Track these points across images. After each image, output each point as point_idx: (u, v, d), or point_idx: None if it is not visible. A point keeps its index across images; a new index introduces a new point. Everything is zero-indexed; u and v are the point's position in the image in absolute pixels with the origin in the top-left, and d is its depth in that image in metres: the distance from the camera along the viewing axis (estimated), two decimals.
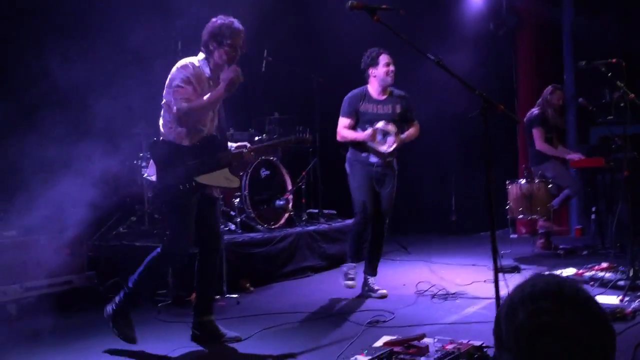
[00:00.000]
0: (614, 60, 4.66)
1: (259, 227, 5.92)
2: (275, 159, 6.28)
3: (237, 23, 3.68)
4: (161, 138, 3.70)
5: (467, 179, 8.10)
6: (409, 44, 2.99)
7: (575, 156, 6.59)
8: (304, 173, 6.58)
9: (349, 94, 4.97)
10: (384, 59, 4.84)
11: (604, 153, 6.34)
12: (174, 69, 3.65)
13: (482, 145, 2.90)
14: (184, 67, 3.62)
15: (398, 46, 4.64)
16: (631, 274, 4.54)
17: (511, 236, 7.50)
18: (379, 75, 4.85)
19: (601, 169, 6.47)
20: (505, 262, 5.94)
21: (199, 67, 3.65)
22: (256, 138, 6.31)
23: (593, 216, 6.67)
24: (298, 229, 6.17)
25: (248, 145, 3.88)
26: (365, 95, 4.90)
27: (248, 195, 5.89)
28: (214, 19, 3.68)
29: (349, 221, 6.83)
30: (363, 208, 4.85)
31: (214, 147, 3.69)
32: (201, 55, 3.70)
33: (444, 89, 6.65)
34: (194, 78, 3.58)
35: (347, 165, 5.04)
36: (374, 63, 4.85)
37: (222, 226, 5.30)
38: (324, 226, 6.49)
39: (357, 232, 4.96)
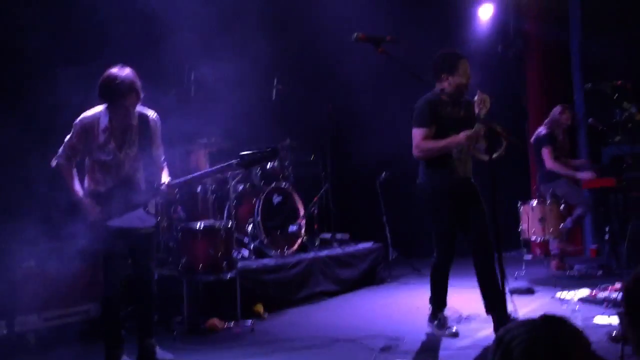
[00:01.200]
0: (619, 82, 4.71)
1: (272, 253, 5.97)
2: (287, 185, 6.36)
3: (130, 77, 3.71)
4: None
5: None
6: (413, 75, 3.07)
7: (585, 175, 6.59)
8: (315, 198, 6.64)
9: (424, 100, 4.25)
10: (464, 65, 4.20)
11: (615, 172, 6.33)
12: None
13: (488, 170, 2.95)
14: (75, 124, 3.83)
15: (405, 73, 4.74)
16: None
17: (525, 257, 7.45)
18: (454, 84, 4.18)
19: (613, 189, 6.46)
20: (520, 283, 5.94)
21: (90, 120, 3.79)
22: (268, 165, 6.40)
23: (606, 236, 6.64)
24: (311, 254, 6.21)
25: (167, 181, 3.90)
26: (441, 100, 4.24)
27: (261, 221, 5.97)
28: (107, 71, 3.72)
29: (362, 245, 6.89)
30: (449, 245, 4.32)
31: (125, 190, 3.77)
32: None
33: None
34: (78, 134, 3.80)
35: (429, 192, 4.28)
36: (453, 69, 4.18)
37: (235, 253, 5.36)
38: (337, 251, 6.52)
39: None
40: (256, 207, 5.99)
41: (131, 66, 3.82)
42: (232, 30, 6.51)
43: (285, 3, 7.11)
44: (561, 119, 6.74)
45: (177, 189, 4.01)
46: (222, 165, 3.91)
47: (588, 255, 7.73)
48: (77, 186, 3.83)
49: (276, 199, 6.23)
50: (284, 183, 6.34)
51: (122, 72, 3.69)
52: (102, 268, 3.94)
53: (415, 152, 4.23)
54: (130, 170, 3.84)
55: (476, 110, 4.03)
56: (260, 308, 5.25)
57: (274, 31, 6.96)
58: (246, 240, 6.02)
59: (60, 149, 3.87)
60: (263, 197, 6.04)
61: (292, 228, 6.23)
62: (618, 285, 5.14)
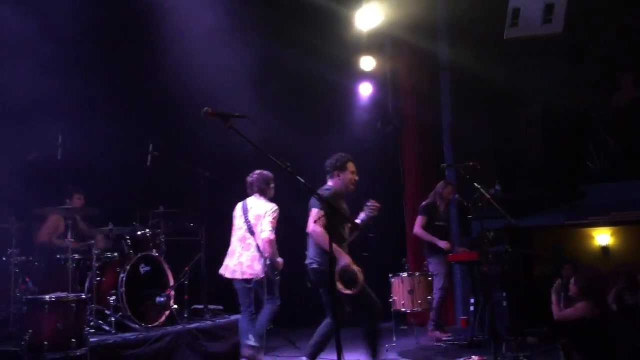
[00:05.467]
0: (470, 163, 5.03)
1: (136, 326, 5.68)
2: (156, 253, 6.15)
3: None
4: None
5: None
6: (261, 152, 3.11)
7: (443, 243, 6.88)
8: (186, 268, 6.45)
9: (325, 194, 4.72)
10: (351, 166, 4.94)
11: (479, 247, 6.65)
12: None
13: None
14: None
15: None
16: None
17: (401, 327, 7.55)
18: (344, 179, 4.90)
19: (477, 262, 6.76)
20: (391, 356, 6.01)
21: None
22: (138, 232, 6.19)
23: (472, 307, 6.90)
24: (179, 326, 5.95)
25: None
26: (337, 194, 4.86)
27: (125, 292, 5.69)
28: None
29: (235, 316, 6.70)
30: None
31: None
32: None
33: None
34: None
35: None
36: (343, 168, 4.90)
37: (87, 328, 5.04)
38: (207, 323, 6.30)
39: None
40: (120, 277, 5.72)
41: None
42: (109, 95, 6.41)
43: (165, 71, 7.08)
44: (443, 192, 7.13)
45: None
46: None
47: (458, 326, 7.98)
48: None
49: (143, 268, 5.99)
50: (153, 251, 6.13)
51: None
52: None
53: (309, 228, 4.71)
54: None
55: (366, 213, 4.74)
56: None
57: (149, 97, 6.92)
58: (108, 312, 5.69)
59: None
60: (128, 266, 5.79)
61: (160, 299, 5.97)
62: (474, 357, 5.29)
